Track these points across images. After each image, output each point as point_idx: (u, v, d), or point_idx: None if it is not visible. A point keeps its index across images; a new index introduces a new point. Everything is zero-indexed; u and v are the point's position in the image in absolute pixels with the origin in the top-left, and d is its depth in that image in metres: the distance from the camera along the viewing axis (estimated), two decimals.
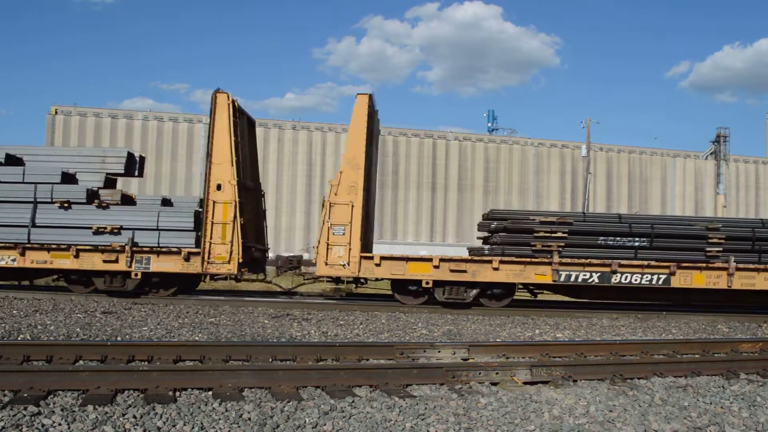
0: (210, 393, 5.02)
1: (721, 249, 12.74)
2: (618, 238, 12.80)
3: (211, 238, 12.29)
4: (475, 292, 12.58)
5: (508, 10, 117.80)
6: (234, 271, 12.35)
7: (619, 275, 12.46)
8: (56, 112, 36.15)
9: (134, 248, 12.38)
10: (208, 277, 12.98)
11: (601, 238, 12.79)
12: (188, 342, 7.25)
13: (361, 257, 12.20)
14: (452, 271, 12.35)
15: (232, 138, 12.47)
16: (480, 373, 5.77)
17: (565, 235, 12.62)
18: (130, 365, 5.92)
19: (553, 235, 12.56)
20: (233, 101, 12.68)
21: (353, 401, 4.87)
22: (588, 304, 13.63)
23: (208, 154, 12.55)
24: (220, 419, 4.34)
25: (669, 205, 42.03)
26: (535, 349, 7.38)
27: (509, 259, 12.41)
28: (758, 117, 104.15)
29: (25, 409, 4.33)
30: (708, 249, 12.73)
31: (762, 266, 12.67)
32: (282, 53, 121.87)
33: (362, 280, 12.99)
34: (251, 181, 14.07)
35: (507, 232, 12.81)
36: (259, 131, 36.94)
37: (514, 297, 13.26)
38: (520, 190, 40.39)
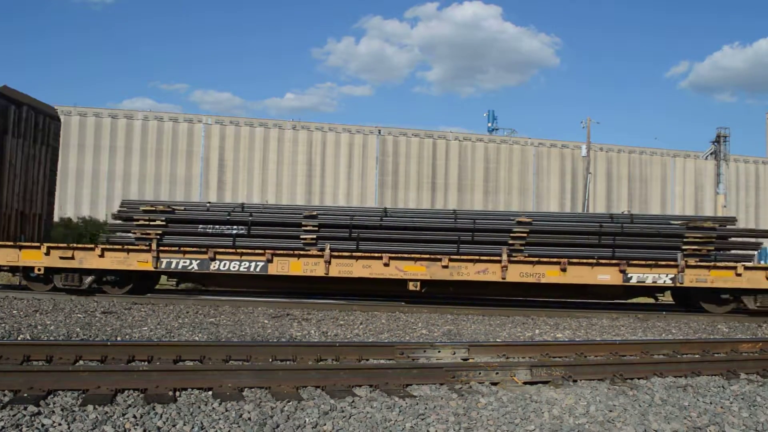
0: (210, 393, 5.01)
1: (315, 237, 12.83)
2: (216, 226, 13.14)
3: None
4: (90, 279, 12.84)
5: (508, 10, 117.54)
6: None
7: (218, 263, 12.67)
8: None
9: None
10: None
11: (201, 226, 13.12)
12: (188, 342, 7.26)
13: None
14: (62, 258, 12.64)
15: None
16: (480, 373, 5.76)
17: (164, 223, 12.97)
18: (130, 365, 5.92)
19: (152, 223, 12.94)
20: None
21: (353, 401, 4.87)
22: (588, 305, 13.60)
23: None
24: (220, 419, 4.34)
25: (669, 205, 42.01)
26: (535, 349, 7.39)
27: (111, 246, 12.82)
28: (758, 117, 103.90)
29: (25, 409, 4.33)
30: (303, 236, 12.87)
31: (359, 254, 12.59)
32: (282, 53, 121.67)
33: None
34: None
35: (122, 220, 13.41)
36: (259, 131, 37.34)
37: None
38: (520, 190, 40.37)
